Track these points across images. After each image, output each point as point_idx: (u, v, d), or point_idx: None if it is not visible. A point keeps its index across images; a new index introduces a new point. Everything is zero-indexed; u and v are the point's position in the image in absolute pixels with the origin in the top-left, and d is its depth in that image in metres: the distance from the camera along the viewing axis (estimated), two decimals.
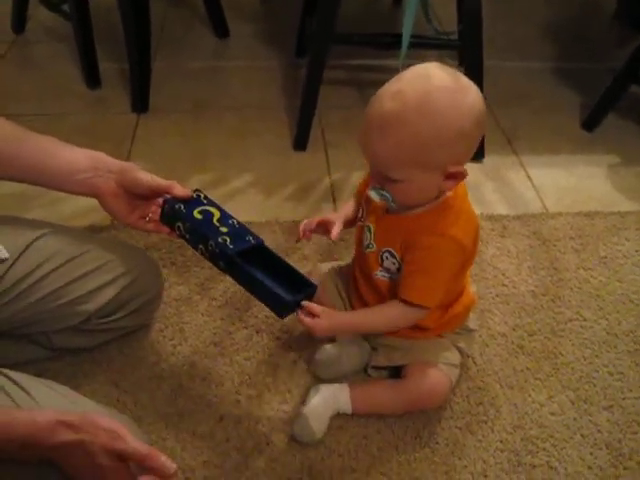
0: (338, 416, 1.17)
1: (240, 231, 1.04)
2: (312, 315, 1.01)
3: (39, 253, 1.07)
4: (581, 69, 2.31)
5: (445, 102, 0.88)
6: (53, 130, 1.80)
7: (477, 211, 1.61)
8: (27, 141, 1.04)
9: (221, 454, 1.12)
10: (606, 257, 1.55)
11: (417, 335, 1.16)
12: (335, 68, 2.06)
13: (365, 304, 1.17)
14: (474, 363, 1.30)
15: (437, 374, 1.14)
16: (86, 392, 1.16)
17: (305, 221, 1.15)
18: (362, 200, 1.12)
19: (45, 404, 0.86)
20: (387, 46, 1.80)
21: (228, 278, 1.39)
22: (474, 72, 1.77)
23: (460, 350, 1.19)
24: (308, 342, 1.30)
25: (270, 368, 1.26)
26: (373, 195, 0.99)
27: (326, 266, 1.32)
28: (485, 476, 1.13)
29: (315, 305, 1.02)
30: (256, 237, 1.05)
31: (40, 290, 1.06)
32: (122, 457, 0.77)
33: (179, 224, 1.04)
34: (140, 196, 1.06)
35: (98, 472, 0.77)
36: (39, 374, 1.15)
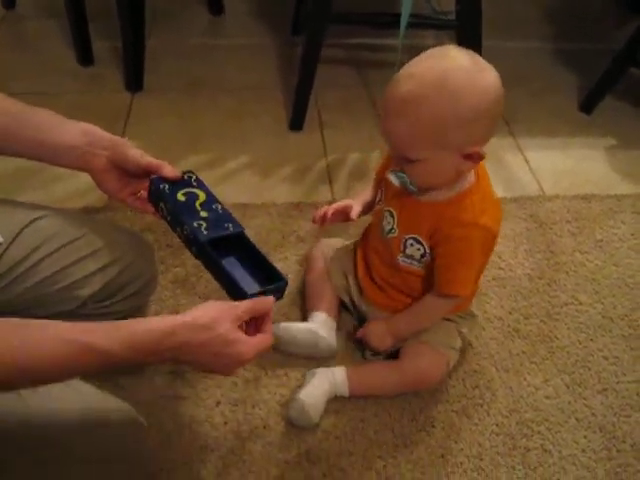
0: (335, 400, 1.18)
1: (221, 217, 0.99)
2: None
3: (34, 237, 1.05)
4: (580, 50, 2.29)
5: (463, 81, 0.88)
6: (47, 108, 1.80)
7: None
8: (26, 115, 1.02)
9: (218, 438, 1.13)
10: (602, 240, 1.56)
11: None
12: (332, 47, 2.04)
13: (382, 288, 1.19)
14: (470, 346, 1.30)
15: (434, 354, 1.15)
16: (85, 379, 1.17)
17: (324, 208, 1.18)
18: (382, 184, 1.13)
19: (45, 392, 0.85)
20: (386, 25, 1.78)
21: None
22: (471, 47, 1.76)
23: (462, 335, 1.20)
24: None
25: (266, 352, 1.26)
26: (392, 178, 1.00)
27: (328, 242, 1.32)
28: (480, 459, 1.14)
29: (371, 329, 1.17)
30: (237, 225, 0.99)
31: (37, 274, 1.05)
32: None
33: (162, 205, 1.01)
34: (131, 173, 1.04)
35: (225, 359, 0.84)
36: None
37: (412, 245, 1.08)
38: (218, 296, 1.32)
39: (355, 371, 1.19)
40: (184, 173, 1.04)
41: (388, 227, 1.11)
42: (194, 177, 1.05)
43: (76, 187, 1.52)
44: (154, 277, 1.24)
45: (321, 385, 1.16)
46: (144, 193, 1.05)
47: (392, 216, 1.10)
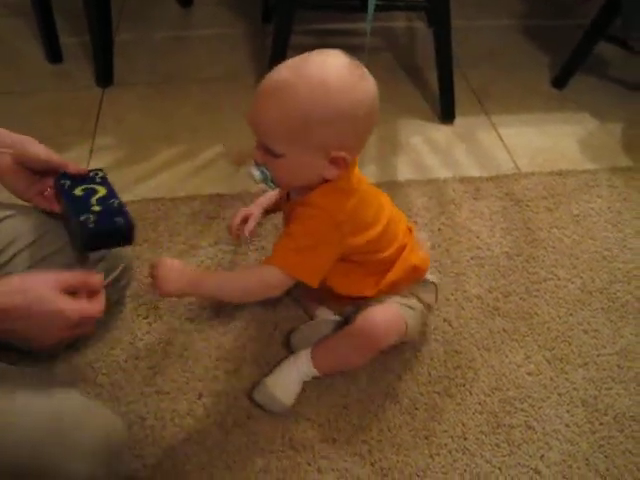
0: (316, 387, 1.18)
1: (114, 211, 0.97)
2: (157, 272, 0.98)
3: (5, 234, 1.04)
4: (549, 26, 2.30)
5: (340, 81, 0.89)
6: (16, 109, 1.79)
7: (449, 174, 1.65)
8: None
9: (202, 431, 1.12)
10: (579, 215, 1.56)
11: (372, 294, 1.15)
12: (301, 34, 2.03)
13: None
14: (450, 327, 1.30)
15: (385, 308, 1.12)
16: (61, 373, 1.16)
17: (232, 223, 1.16)
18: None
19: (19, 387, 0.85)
20: (354, 9, 1.76)
21: (202, 252, 1.40)
22: (442, 33, 1.76)
23: (419, 298, 1.18)
24: (284, 314, 1.30)
25: (247, 341, 1.26)
26: (254, 172, 0.97)
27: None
28: (465, 439, 1.14)
29: (164, 261, 0.99)
30: (127, 218, 0.97)
31: (10, 269, 1.03)
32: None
33: (62, 200, 1.00)
34: (38, 172, 1.03)
35: (46, 318, 0.81)
36: (15, 362, 1.14)
37: None
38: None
39: (318, 348, 1.16)
40: (91, 171, 1.04)
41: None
42: (101, 175, 1.04)
43: None
44: (127, 268, 1.23)
45: (287, 367, 1.16)
46: (51, 191, 1.04)
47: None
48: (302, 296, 1.30)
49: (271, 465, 1.09)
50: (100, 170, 1.04)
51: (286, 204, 1.10)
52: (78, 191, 0.99)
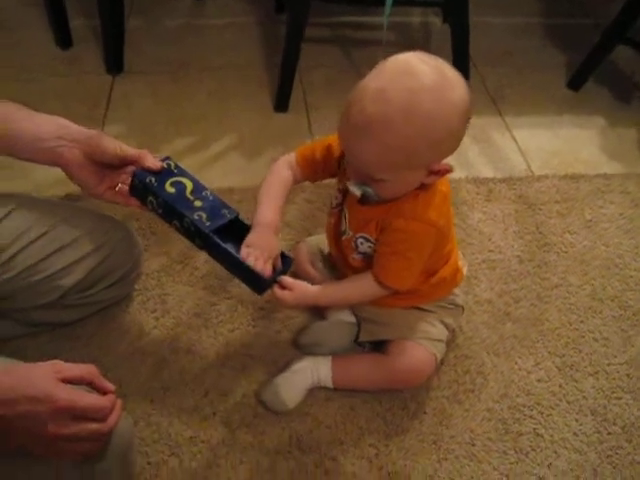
0: (324, 388, 1.16)
1: (215, 204, 0.99)
2: (285, 288, 0.99)
3: (9, 231, 1.02)
4: (566, 25, 2.27)
5: (432, 102, 0.82)
6: (26, 94, 1.76)
7: (462, 174, 1.63)
8: None
9: (208, 429, 1.11)
10: (591, 221, 1.54)
11: (401, 302, 1.14)
12: (316, 25, 2.01)
13: None
14: (461, 331, 1.29)
15: (422, 352, 1.12)
16: None
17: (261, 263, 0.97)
18: (342, 185, 1.06)
19: None
20: (372, 3, 1.74)
21: None
22: (460, 30, 1.74)
23: (446, 325, 1.17)
24: (292, 312, 1.29)
25: (255, 339, 1.25)
26: (355, 190, 0.94)
27: (312, 240, 1.30)
28: (473, 445, 1.13)
29: (289, 279, 1.00)
30: (230, 209, 1.00)
31: (14, 268, 1.02)
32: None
33: (151, 198, 0.99)
34: (108, 165, 1.01)
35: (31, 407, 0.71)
36: (17, 352, 1.13)
37: (362, 244, 1.05)
38: (203, 285, 1.32)
39: (340, 364, 1.16)
40: (162, 160, 1.02)
41: (343, 228, 1.07)
42: (173, 164, 1.03)
43: (56, 174, 1.48)
44: (138, 264, 1.22)
45: (302, 372, 1.15)
46: (123, 186, 1.02)
47: (345, 217, 1.06)
48: None
49: (277, 466, 1.08)
50: (169, 158, 1.02)
51: (359, 207, 1.01)
52: (168, 187, 0.98)
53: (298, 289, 0.99)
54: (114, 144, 0.98)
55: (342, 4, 1.96)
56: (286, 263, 1.00)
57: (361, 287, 1.05)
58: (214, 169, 1.62)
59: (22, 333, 1.17)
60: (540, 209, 1.56)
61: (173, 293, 1.31)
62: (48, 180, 1.47)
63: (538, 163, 1.71)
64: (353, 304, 1.18)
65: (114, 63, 1.86)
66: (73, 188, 1.46)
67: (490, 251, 1.45)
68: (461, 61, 1.76)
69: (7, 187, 1.41)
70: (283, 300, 0.99)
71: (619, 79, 2.03)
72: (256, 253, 0.95)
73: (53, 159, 0.98)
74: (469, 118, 0.88)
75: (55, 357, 1.14)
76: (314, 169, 1.07)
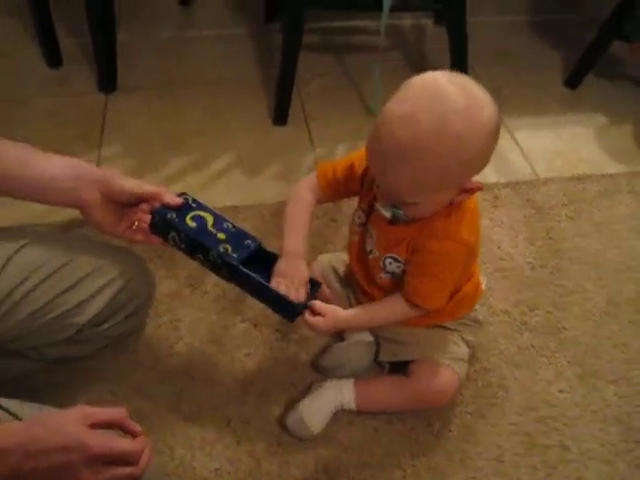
0: (346, 411, 1.14)
1: (237, 235, 0.99)
2: (316, 314, 0.97)
3: (21, 267, 0.99)
4: (560, 21, 2.26)
5: (462, 124, 0.80)
6: (17, 117, 1.73)
7: None
8: (4, 152, 0.94)
9: (232, 460, 1.09)
10: (601, 223, 1.54)
11: (424, 321, 1.11)
12: (308, 32, 1.98)
13: (371, 300, 1.13)
14: (479, 343, 1.27)
15: (446, 373, 1.10)
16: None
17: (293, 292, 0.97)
18: (365, 205, 1.05)
19: None
20: (367, 9, 1.71)
21: None
22: (458, 35, 1.72)
23: (467, 343, 1.16)
24: (309, 333, 1.26)
25: (273, 363, 1.23)
26: (384, 212, 0.92)
27: (325, 258, 1.27)
28: (500, 461, 1.12)
29: (321, 304, 0.98)
30: (253, 238, 1.00)
31: (27, 307, 0.99)
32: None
33: (173, 234, 0.98)
34: (125, 204, 0.99)
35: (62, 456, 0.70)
36: (33, 390, 1.10)
37: (390, 264, 1.03)
38: (215, 309, 1.29)
39: (363, 386, 1.15)
40: (179, 195, 1.01)
41: (369, 248, 1.05)
42: (190, 198, 1.03)
43: None
44: (151, 295, 1.18)
45: (325, 396, 1.13)
46: (141, 224, 1.00)
47: (372, 237, 1.04)
48: None
49: None
50: (185, 194, 1.02)
51: (388, 227, 0.99)
52: (189, 221, 0.98)
53: (330, 314, 0.98)
54: (132, 183, 0.96)
55: (337, 11, 1.93)
56: (314, 288, 1.00)
57: (393, 309, 1.04)
58: (216, 187, 1.59)
59: (33, 369, 1.14)
60: (548, 213, 1.55)
61: (185, 318, 1.29)
62: (45, 207, 1.42)
63: (542, 165, 1.70)
64: (383, 326, 1.15)
65: (107, 81, 1.82)
66: (73, 214, 1.44)
67: (501, 259, 1.44)
68: (460, 65, 1.74)
69: (2, 215, 1.39)
70: (315, 326, 0.98)
71: (617, 75, 2.02)
72: (286, 282, 0.95)
73: (72, 201, 0.96)
74: (498, 134, 0.87)
75: (70, 392, 1.14)
76: (336, 190, 1.06)
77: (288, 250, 0.99)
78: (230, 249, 0.95)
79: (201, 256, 0.97)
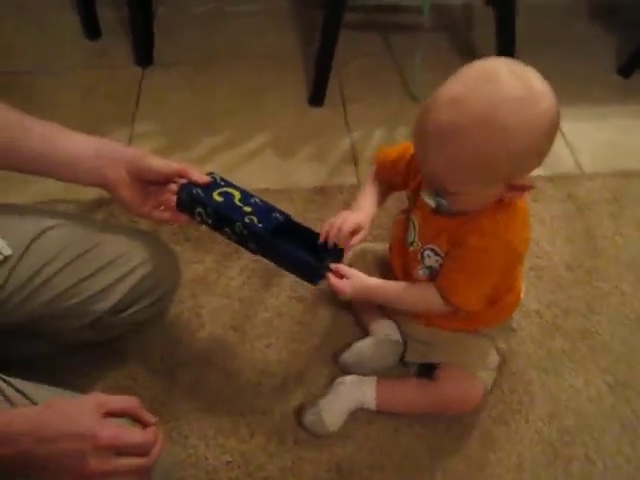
0: (365, 409, 1.12)
1: (265, 209, 0.99)
2: (341, 276, 0.96)
3: (46, 249, 0.99)
4: (617, 3, 2.13)
5: (515, 116, 0.76)
6: (52, 89, 1.72)
7: None
8: (31, 130, 0.94)
9: (245, 453, 1.08)
10: None
11: (458, 324, 1.09)
12: (350, 10, 1.92)
13: None
14: (507, 344, 1.23)
15: (473, 381, 1.07)
16: (101, 390, 1.12)
17: (334, 230, 0.97)
18: (410, 193, 1.02)
19: None
20: None
21: (246, 255, 1.33)
22: (505, 15, 1.65)
23: (499, 350, 1.12)
24: (332, 326, 1.25)
25: (293, 355, 1.21)
26: (428, 200, 0.89)
27: (359, 247, 1.23)
28: (521, 470, 1.09)
29: (345, 267, 0.97)
30: (281, 212, 1.00)
31: (49, 291, 0.99)
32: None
33: (199, 210, 0.98)
34: (152, 183, 0.99)
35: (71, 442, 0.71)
36: (51, 372, 1.10)
37: (429, 256, 0.99)
38: (239, 296, 1.28)
39: (386, 386, 1.12)
40: (208, 174, 1.01)
41: (410, 239, 1.02)
42: (218, 177, 1.03)
43: (54, 187, 1.41)
44: (176, 283, 1.18)
45: (345, 395, 1.11)
46: (168, 203, 1.00)
47: (414, 227, 1.01)
48: (358, 303, 1.22)
49: None
50: (213, 173, 1.02)
51: (431, 216, 0.96)
52: (216, 197, 0.98)
53: (356, 278, 0.96)
54: (160, 161, 0.97)
55: None
56: (337, 253, 0.98)
57: (422, 295, 1.00)
58: (248, 168, 1.57)
59: (50, 351, 1.15)
60: (590, 210, 1.48)
61: (208, 305, 1.28)
62: (47, 193, 1.41)
63: (587, 158, 1.62)
64: (406, 309, 1.10)
65: (144, 55, 1.80)
66: (98, 192, 1.44)
67: (538, 257, 1.38)
68: (506, 47, 1.67)
69: (36, 188, 1.39)
70: (341, 289, 0.95)
71: None
72: (331, 221, 0.97)
73: (97, 180, 0.96)
74: (555, 133, 0.82)
75: (90, 375, 1.14)
76: (388, 173, 1.06)
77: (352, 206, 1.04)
78: (256, 220, 0.95)
79: (228, 230, 0.97)
